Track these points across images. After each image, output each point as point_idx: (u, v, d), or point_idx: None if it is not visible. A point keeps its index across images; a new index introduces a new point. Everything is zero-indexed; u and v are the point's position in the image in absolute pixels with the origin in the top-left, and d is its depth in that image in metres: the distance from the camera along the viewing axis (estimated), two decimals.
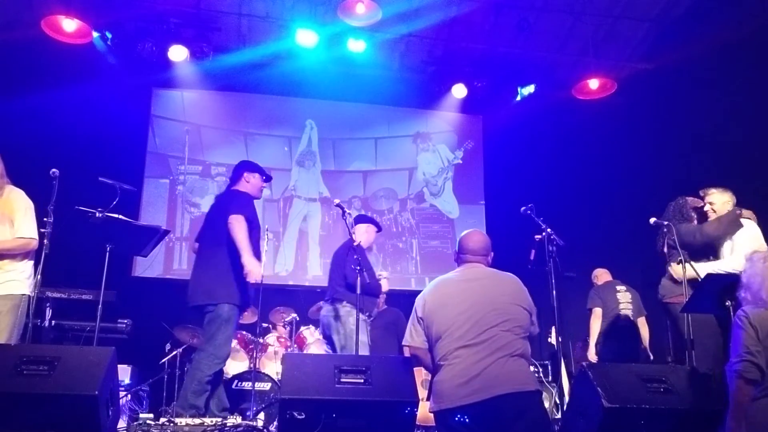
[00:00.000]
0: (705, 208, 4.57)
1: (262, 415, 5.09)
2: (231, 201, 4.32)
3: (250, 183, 4.48)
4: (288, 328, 6.20)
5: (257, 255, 4.28)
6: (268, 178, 4.65)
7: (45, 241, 3.80)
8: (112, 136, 7.36)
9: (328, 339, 5.11)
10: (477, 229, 3.43)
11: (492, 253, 3.28)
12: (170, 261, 7.64)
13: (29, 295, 3.94)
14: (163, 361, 5.88)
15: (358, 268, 4.46)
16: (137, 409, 5.71)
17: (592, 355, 6.49)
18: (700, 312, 4.23)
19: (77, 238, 4.04)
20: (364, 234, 5.23)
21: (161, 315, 6.38)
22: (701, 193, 4.65)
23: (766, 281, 2.92)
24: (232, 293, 4.15)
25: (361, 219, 5.51)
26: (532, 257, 4.55)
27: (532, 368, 3.08)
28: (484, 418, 2.75)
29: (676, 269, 4.42)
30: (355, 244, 4.70)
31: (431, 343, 2.99)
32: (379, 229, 5.50)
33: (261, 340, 5.94)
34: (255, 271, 4.05)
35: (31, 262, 4.00)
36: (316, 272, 7.92)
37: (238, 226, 4.10)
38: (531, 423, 2.75)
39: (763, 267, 2.95)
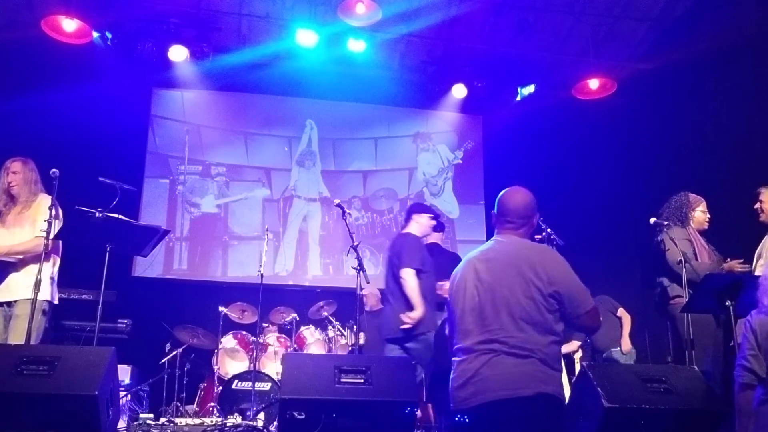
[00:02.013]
0: (755, 206, 4.51)
1: (262, 415, 5.10)
2: (402, 249, 4.58)
3: (418, 224, 4.79)
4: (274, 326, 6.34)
5: (433, 298, 4.57)
6: (435, 217, 5.00)
7: (45, 241, 3.81)
8: (112, 136, 7.34)
9: None
10: (518, 187, 2.82)
11: (537, 215, 2.78)
12: (170, 261, 7.64)
13: (50, 301, 4.02)
14: (163, 361, 5.88)
15: (358, 268, 4.59)
16: (137, 409, 5.71)
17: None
18: (699, 312, 4.23)
19: (77, 238, 4.04)
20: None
21: (161, 315, 6.40)
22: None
23: None
24: (428, 320, 4.46)
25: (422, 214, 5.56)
26: None
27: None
28: (478, 424, 2.58)
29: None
30: (354, 244, 4.75)
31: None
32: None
33: (261, 340, 5.95)
34: (416, 321, 4.40)
35: (55, 267, 4.07)
36: (316, 272, 7.91)
37: (407, 281, 4.42)
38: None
39: None
